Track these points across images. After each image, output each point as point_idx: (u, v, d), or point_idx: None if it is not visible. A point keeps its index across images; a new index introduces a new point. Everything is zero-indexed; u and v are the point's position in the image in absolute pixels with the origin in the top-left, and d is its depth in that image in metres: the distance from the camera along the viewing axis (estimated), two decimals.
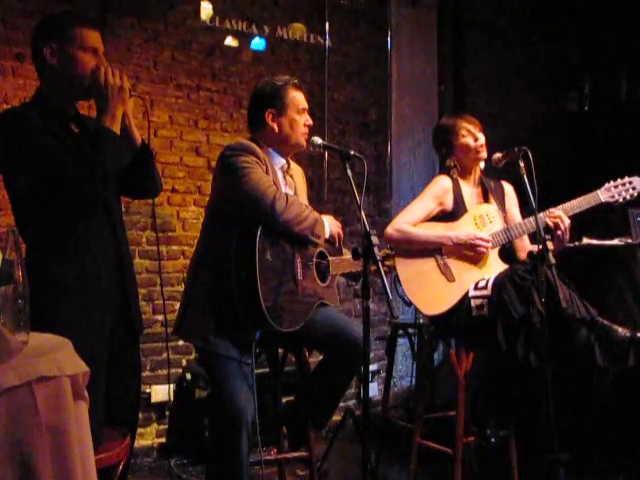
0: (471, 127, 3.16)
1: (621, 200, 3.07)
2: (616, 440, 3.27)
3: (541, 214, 2.97)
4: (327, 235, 2.70)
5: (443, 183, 3.18)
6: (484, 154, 3.15)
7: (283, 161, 2.79)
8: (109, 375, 2.23)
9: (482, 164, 3.21)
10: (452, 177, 3.20)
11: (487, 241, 3.03)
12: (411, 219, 3.12)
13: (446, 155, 3.22)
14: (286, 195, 2.58)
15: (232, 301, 2.48)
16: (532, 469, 3.13)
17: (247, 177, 2.52)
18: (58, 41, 2.20)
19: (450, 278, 3.07)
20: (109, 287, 2.27)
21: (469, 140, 3.15)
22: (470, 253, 3.05)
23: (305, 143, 2.76)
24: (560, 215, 2.98)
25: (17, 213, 2.24)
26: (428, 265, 3.11)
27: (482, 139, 3.15)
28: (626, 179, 3.08)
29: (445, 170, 3.22)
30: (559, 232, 2.96)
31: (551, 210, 3.00)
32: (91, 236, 2.23)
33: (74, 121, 2.29)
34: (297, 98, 2.73)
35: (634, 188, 3.08)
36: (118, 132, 2.22)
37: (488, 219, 3.15)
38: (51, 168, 2.09)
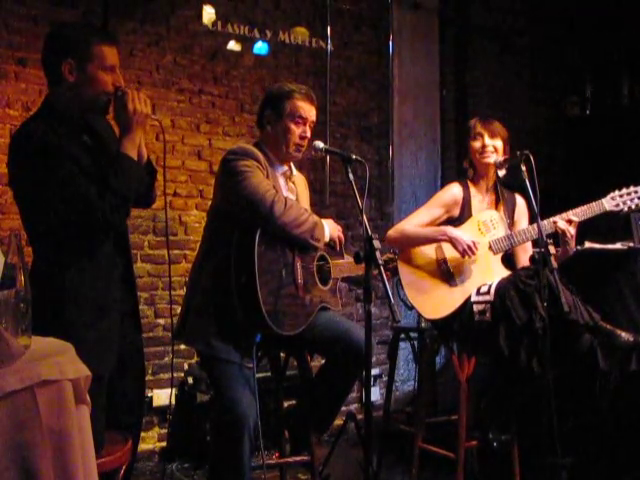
0: (483, 131, 3.14)
1: (626, 209, 3.05)
2: (619, 444, 3.26)
3: (545, 222, 2.97)
4: (327, 239, 2.70)
5: (453, 192, 3.18)
6: (488, 159, 3.12)
7: (285, 167, 2.79)
8: (115, 379, 2.24)
9: (500, 173, 3.19)
10: (465, 183, 3.20)
11: (477, 250, 3.01)
12: (415, 223, 3.14)
13: (464, 155, 3.26)
14: (285, 199, 2.57)
15: (233, 304, 2.48)
16: (534, 474, 3.13)
17: (247, 181, 2.52)
18: (77, 58, 2.17)
19: (452, 283, 3.07)
20: (120, 295, 2.28)
21: (477, 144, 3.14)
22: (458, 258, 3.04)
23: (298, 155, 2.75)
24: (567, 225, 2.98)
25: (27, 224, 2.24)
26: (430, 270, 3.11)
27: (489, 143, 3.12)
28: (632, 188, 3.06)
29: (461, 175, 3.24)
30: (566, 239, 2.96)
31: (556, 219, 2.99)
32: (101, 245, 2.23)
33: (86, 132, 2.28)
34: (298, 107, 2.70)
35: (639, 197, 3.06)
36: (136, 157, 2.24)
37: (492, 225, 3.15)
38: (78, 204, 2.09)
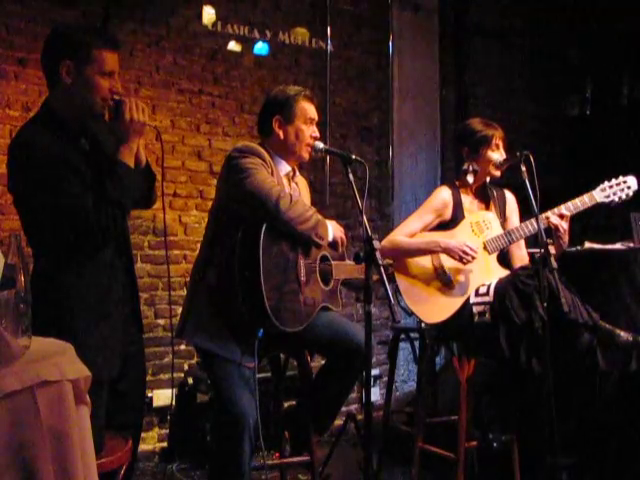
0: (501, 144, 3.14)
1: (617, 200, 3.06)
2: (618, 445, 3.26)
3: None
4: (330, 238, 2.70)
5: (443, 196, 3.16)
6: (498, 174, 3.14)
7: (288, 168, 2.79)
8: (116, 379, 2.24)
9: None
10: (453, 184, 3.19)
11: (475, 252, 3.00)
12: (407, 232, 3.12)
13: (466, 158, 3.18)
14: (290, 195, 2.58)
15: (236, 300, 2.48)
16: (534, 474, 3.13)
17: (252, 177, 2.53)
18: (76, 60, 2.16)
19: (450, 286, 3.06)
20: (121, 296, 2.28)
21: (496, 156, 3.11)
22: (455, 261, 3.03)
23: (308, 156, 2.76)
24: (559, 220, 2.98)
25: (27, 229, 2.23)
26: (427, 274, 3.10)
27: (505, 157, 3.11)
28: (620, 179, 3.08)
29: (455, 177, 3.22)
30: (559, 233, 2.96)
31: (548, 214, 3.00)
32: (102, 247, 2.23)
33: (84, 135, 2.28)
34: (306, 109, 2.74)
35: (629, 187, 3.07)
36: (133, 164, 2.24)
37: (485, 225, 3.15)
38: (73, 213, 2.10)
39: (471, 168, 3.16)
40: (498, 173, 3.13)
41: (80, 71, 2.17)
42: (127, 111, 2.21)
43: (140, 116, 2.23)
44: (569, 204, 3.03)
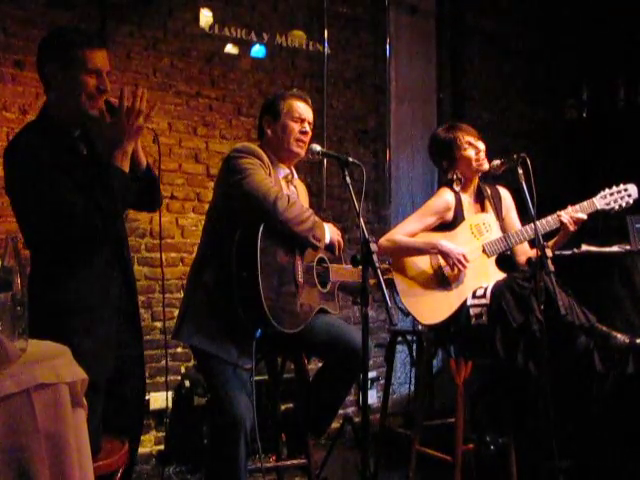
0: (471, 139, 3.15)
1: (617, 207, 3.08)
2: (616, 447, 3.27)
3: (549, 217, 3.01)
4: (327, 240, 2.70)
5: (446, 198, 3.17)
6: (486, 165, 3.13)
7: (287, 171, 2.80)
8: (114, 383, 2.24)
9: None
10: (455, 189, 3.20)
11: (467, 262, 3.02)
12: (407, 231, 3.13)
13: (448, 169, 3.20)
14: (288, 196, 2.59)
15: (233, 301, 2.48)
16: (531, 476, 3.13)
17: (250, 178, 2.54)
18: (61, 62, 2.17)
19: (448, 288, 3.07)
20: (118, 299, 2.28)
21: (471, 153, 3.13)
22: (447, 266, 3.05)
23: (301, 151, 2.76)
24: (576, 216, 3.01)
25: (24, 233, 2.23)
26: (425, 275, 3.11)
27: (483, 148, 3.15)
28: (621, 186, 3.09)
29: (448, 183, 3.22)
30: (567, 229, 2.98)
31: (560, 213, 3.02)
32: (98, 251, 2.24)
33: (81, 140, 2.28)
34: (293, 106, 2.75)
35: (629, 195, 3.08)
36: (127, 168, 2.23)
37: (485, 228, 3.16)
38: (66, 220, 2.10)
39: (455, 177, 3.19)
40: (486, 167, 3.13)
41: (65, 73, 2.18)
42: (123, 117, 2.20)
43: (140, 120, 2.22)
44: (569, 210, 3.04)
